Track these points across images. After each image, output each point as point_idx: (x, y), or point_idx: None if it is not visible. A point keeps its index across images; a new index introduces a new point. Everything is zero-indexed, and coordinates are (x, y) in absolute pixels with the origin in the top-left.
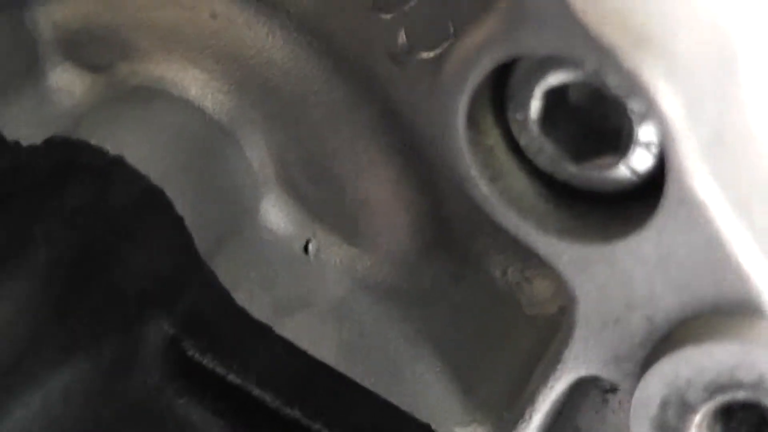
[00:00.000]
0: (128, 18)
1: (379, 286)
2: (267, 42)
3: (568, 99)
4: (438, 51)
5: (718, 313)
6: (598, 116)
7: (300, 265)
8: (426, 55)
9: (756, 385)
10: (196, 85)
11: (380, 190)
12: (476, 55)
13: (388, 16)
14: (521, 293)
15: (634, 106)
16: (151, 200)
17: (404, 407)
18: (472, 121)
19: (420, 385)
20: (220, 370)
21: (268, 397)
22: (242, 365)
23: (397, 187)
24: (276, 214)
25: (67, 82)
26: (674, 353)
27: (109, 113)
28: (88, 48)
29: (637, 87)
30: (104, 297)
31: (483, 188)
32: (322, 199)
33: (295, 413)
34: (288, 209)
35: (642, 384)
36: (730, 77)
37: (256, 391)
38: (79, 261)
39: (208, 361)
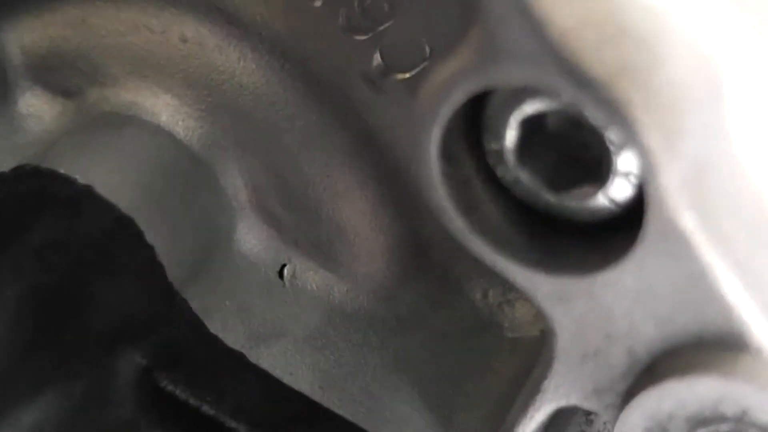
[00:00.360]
0: (97, 42)
1: (357, 313)
2: (238, 66)
3: (546, 127)
4: (414, 72)
5: (700, 346)
6: (576, 144)
7: (275, 291)
8: (401, 76)
9: (739, 419)
10: (167, 110)
11: (356, 215)
12: (448, 88)
13: (363, 38)
14: (503, 316)
15: (613, 135)
16: (121, 231)
17: None
18: (446, 152)
19: (398, 414)
20: (193, 401)
21: (242, 429)
22: (216, 396)
23: (374, 211)
24: (250, 241)
25: (36, 108)
26: (656, 386)
27: (79, 141)
28: (57, 73)
29: (616, 118)
30: (74, 333)
31: (458, 220)
32: (298, 225)
33: None
34: (262, 235)
35: (623, 416)
36: (715, 107)
37: (230, 423)
38: (49, 297)
39: (180, 392)
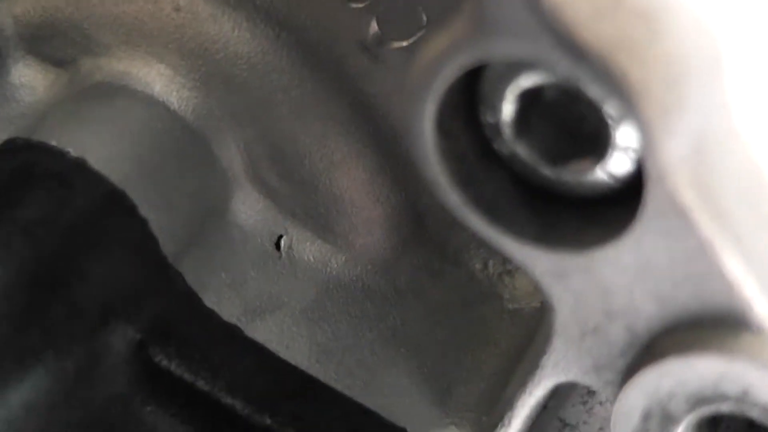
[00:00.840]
0: (90, 12)
1: (354, 285)
2: (232, 36)
3: (544, 99)
4: (411, 41)
5: (701, 324)
6: (575, 117)
7: (272, 263)
8: (398, 45)
9: (740, 398)
10: (160, 81)
11: (353, 185)
12: (440, 62)
13: (360, 5)
14: (503, 286)
15: (611, 109)
16: (114, 204)
17: (380, 410)
18: (442, 126)
19: (396, 387)
20: (187, 376)
21: (237, 405)
22: (211, 371)
23: (371, 181)
24: (246, 212)
25: (29, 78)
26: (655, 365)
27: (72, 112)
28: (50, 42)
29: (613, 91)
30: (63, 309)
31: (453, 195)
32: (294, 195)
33: (265, 421)
34: (258, 206)
35: (623, 395)
36: (715, 80)
37: (226, 399)
38: (38, 274)
39: (175, 368)
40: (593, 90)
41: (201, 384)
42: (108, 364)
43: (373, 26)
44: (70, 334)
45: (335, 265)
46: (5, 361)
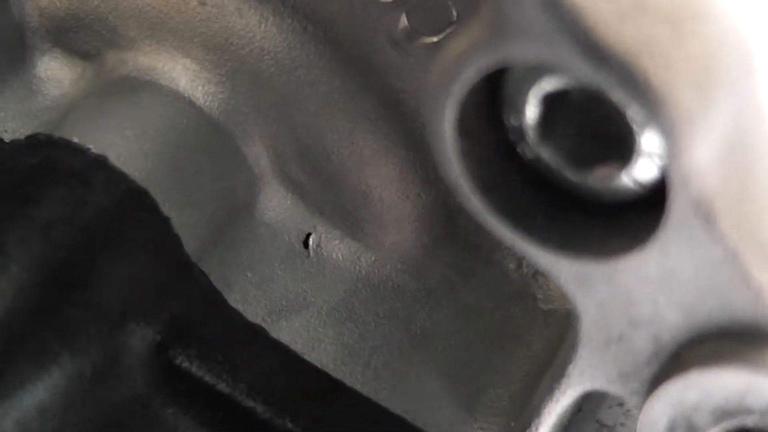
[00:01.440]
0: (115, 4)
1: (383, 284)
2: (258, 30)
3: (569, 103)
4: (441, 36)
5: (728, 336)
6: (600, 121)
7: (299, 262)
8: (428, 40)
9: (765, 412)
10: (186, 75)
11: (383, 182)
12: (459, 65)
13: (390, 0)
14: (537, 287)
15: (635, 113)
16: (135, 202)
17: (405, 414)
18: (463, 128)
19: (424, 390)
20: (209, 378)
21: (258, 408)
22: (232, 373)
23: (401, 179)
24: (273, 209)
25: (55, 71)
26: (680, 376)
27: (95, 107)
28: (76, 35)
29: (636, 96)
30: (81, 309)
31: (475, 199)
32: (322, 193)
33: (286, 424)
34: (287, 203)
35: (648, 405)
36: (745, 82)
37: (247, 401)
38: (55, 274)
39: (195, 369)
40: (616, 95)
41: (222, 386)
42: (126, 365)
43: (403, 21)
44: (87, 334)
45: (364, 264)
46: (19, 362)
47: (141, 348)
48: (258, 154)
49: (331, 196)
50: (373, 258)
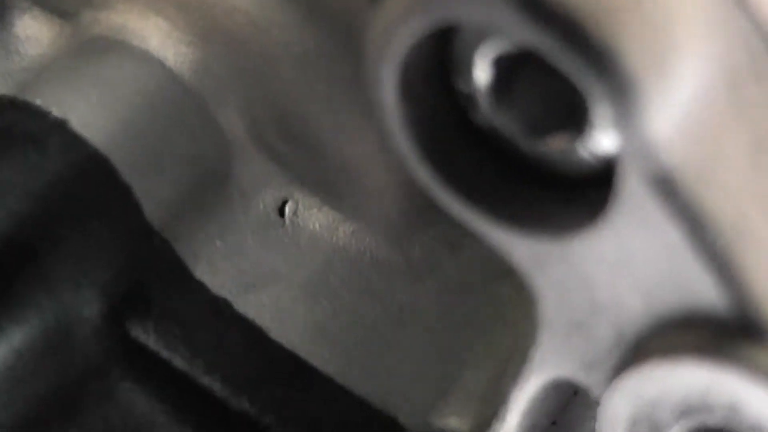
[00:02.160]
0: None
1: (362, 256)
2: None
3: (525, 65)
4: None
5: (691, 325)
6: (557, 87)
7: (273, 231)
8: None
9: (728, 411)
10: (157, 35)
11: (362, 150)
12: (393, 26)
13: None
14: None
15: (581, 79)
16: (93, 169)
17: (375, 396)
18: (409, 94)
19: (397, 371)
20: (165, 353)
21: (215, 386)
22: (190, 349)
23: (383, 146)
24: (248, 176)
25: (35, 30)
26: (638, 368)
27: (64, 68)
28: None
29: (582, 58)
30: (31, 279)
31: (423, 170)
32: (301, 160)
33: (244, 405)
34: (262, 170)
35: (606, 399)
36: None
37: (203, 379)
38: (4, 243)
39: (152, 343)
40: (559, 57)
41: (178, 362)
42: (80, 337)
43: None
44: (37, 306)
45: (342, 235)
46: None
47: (96, 320)
48: (232, 119)
49: (309, 164)
50: (352, 228)
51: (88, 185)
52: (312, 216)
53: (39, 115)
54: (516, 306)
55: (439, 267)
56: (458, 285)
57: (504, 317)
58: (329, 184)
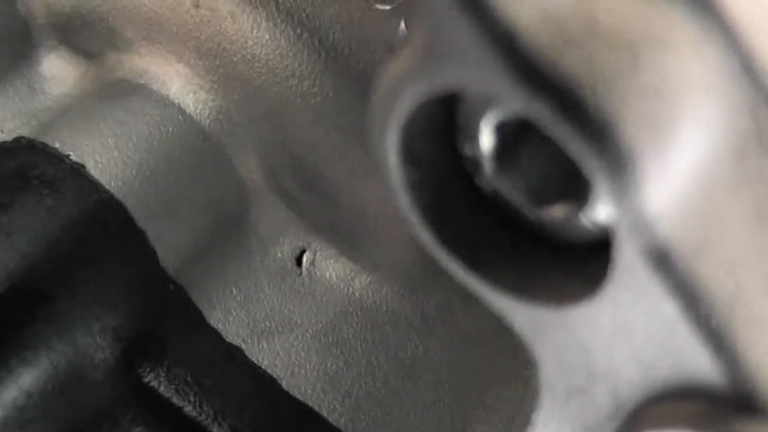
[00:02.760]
0: (113, 4)
1: (377, 308)
2: (251, 36)
3: (530, 132)
4: None
5: (686, 397)
6: (560, 155)
7: (289, 280)
8: None
9: None
10: (178, 80)
11: (378, 199)
12: (394, 91)
13: (387, 7)
14: None
15: (575, 150)
16: (107, 214)
17: None
18: (412, 157)
19: (406, 424)
20: (176, 399)
21: None
22: (199, 396)
23: None
24: (266, 223)
25: (60, 69)
26: None
27: (85, 111)
28: (80, 33)
29: (576, 130)
30: (44, 324)
31: (425, 233)
32: (318, 208)
33: None
34: (280, 217)
35: None
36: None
37: (212, 426)
38: (18, 285)
39: (164, 390)
40: (554, 128)
41: (188, 409)
42: (92, 381)
43: (402, 29)
44: (49, 349)
45: (358, 286)
46: None
47: (108, 364)
48: (250, 166)
49: (325, 212)
50: (368, 279)
51: (102, 230)
52: (329, 266)
53: (56, 158)
54: (528, 361)
55: (452, 319)
56: (471, 337)
57: (516, 372)
58: (345, 233)
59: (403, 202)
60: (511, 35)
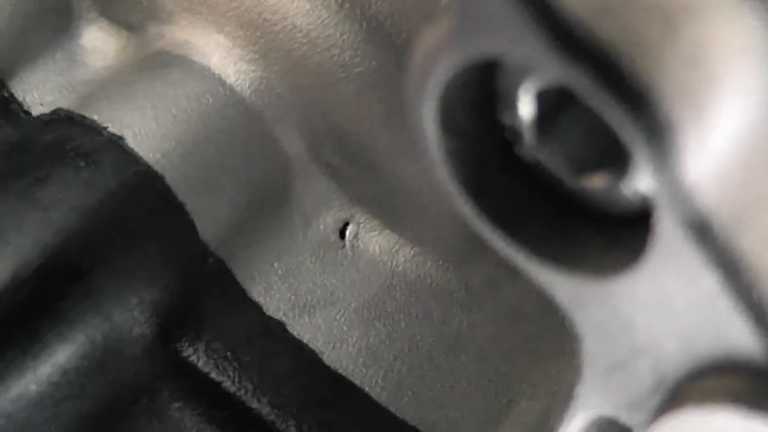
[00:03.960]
0: None
1: (421, 282)
2: (291, 6)
3: (572, 100)
4: None
5: (727, 371)
6: (602, 122)
7: (332, 253)
8: None
9: None
10: (218, 52)
11: (421, 172)
12: (429, 62)
13: None
14: None
15: (615, 118)
16: (145, 187)
17: (424, 425)
18: (451, 127)
19: (449, 399)
20: (215, 374)
21: (263, 409)
22: (239, 372)
23: None
24: (309, 196)
25: (101, 42)
26: (674, 413)
27: (125, 83)
28: (121, 5)
29: (616, 98)
30: (80, 298)
31: (465, 204)
32: (361, 181)
33: (290, 429)
34: (323, 190)
35: None
36: (751, 86)
37: (252, 402)
38: (54, 259)
39: (202, 365)
40: (592, 96)
41: (227, 384)
42: (130, 356)
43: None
44: (86, 323)
45: (402, 259)
46: (7, 350)
47: (146, 339)
48: (292, 138)
49: (369, 185)
50: (412, 253)
51: (140, 203)
52: (372, 239)
53: (94, 131)
54: (574, 336)
55: (498, 293)
56: (516, 312)
57: (562, 347)
58: (389, 206)
59: (443, 173)
60: (549, 3)
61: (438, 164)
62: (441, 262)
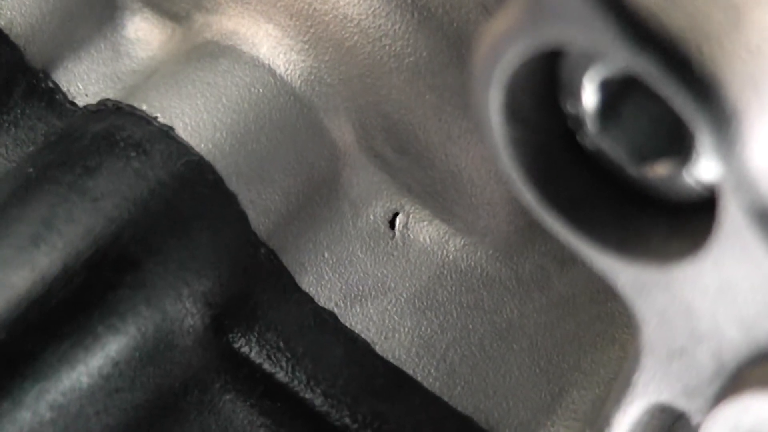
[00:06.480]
0: None
1: (472, 271)
2: None
3: (635, 89)
4: None
5: None
6: (665, 111)
7: (383, 243)
8: None
9: None
10: (268, 41)
11: (473, 162)
12: (497, 50)
13: None
14: None
15: (684, 106)
16: (197, 177)
17: (478, 413)
18: (515, 115)
19: (502, 388)
20: (267, 365)
21: (316, 400)
22: (292, 362)
23: (492, 158)
24: (359, 186)
25: (146, 32)
26: (736, 398)
27: (173, 73)
28: None
29: (685, 85)
30: (131, 290)
31: (527, 192)
32: (411, 170)
33: (344, 419)
34: (373, 180)
35: (704, 428)
36: None
37: (305, 392)
38: (105, 250)
39: (254, 355)
40: (661, 84)
41: (280, 375)
42: (182, 348)
43: None
44: (137, 315)
45: (452, 249)
46: (58, 342)
47: (198, 331)
48: (342, 127)
49: (419, 175)
50: (462, 242)
51: (192, 193)
52: (423, 229)
53: (144, 121)
54: (625, 325)
55: (548, 283)
56: (567, 302)
57: (612, 336)
58: (439, 196)
59: (506, 161)
60: None
61: (502, 152)
62: (491, 252)
